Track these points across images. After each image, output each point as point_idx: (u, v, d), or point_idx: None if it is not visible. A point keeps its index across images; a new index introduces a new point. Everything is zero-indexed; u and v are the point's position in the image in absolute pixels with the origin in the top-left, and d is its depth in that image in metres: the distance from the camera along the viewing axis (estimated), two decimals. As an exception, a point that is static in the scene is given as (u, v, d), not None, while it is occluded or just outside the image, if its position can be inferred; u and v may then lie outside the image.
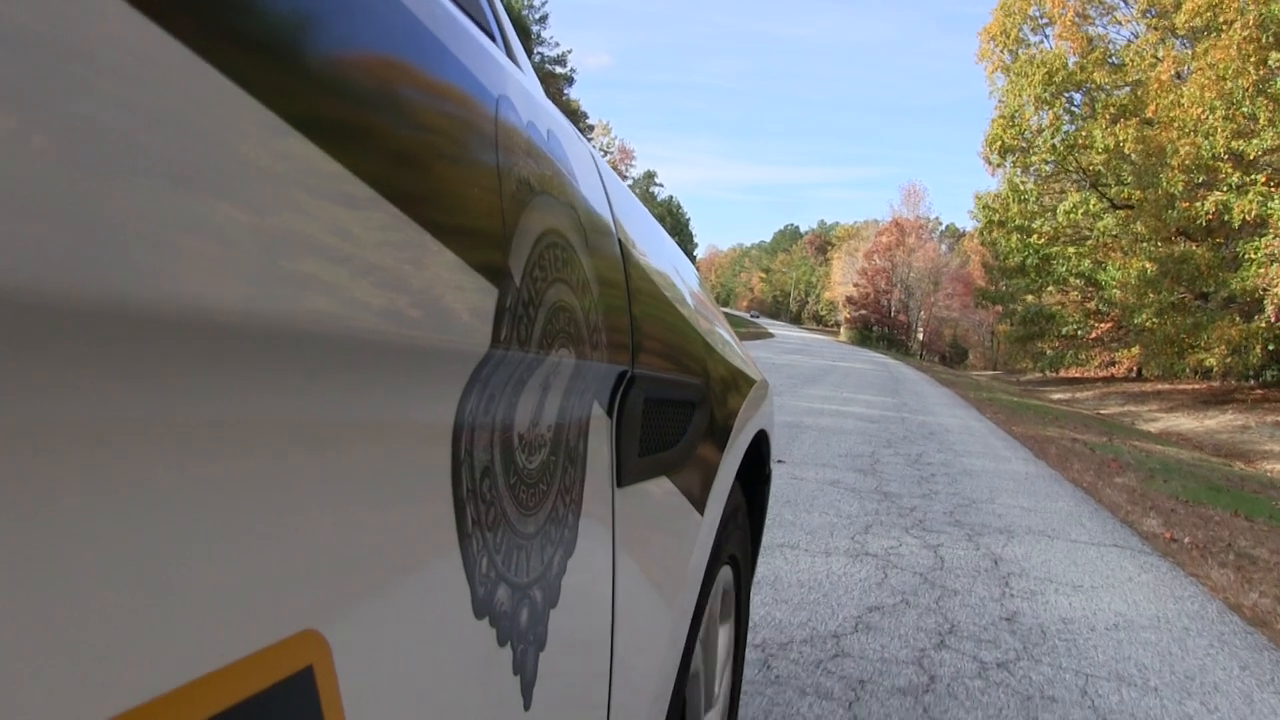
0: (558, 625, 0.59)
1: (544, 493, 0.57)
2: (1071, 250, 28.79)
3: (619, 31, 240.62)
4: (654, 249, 0.98)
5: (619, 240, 0.78)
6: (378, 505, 0.38)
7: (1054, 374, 33.75)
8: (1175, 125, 21.08)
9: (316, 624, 0.33)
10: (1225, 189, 19.89)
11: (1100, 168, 27.51)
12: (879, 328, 66.95)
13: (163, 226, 0.25)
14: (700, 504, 1.03)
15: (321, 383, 0.35)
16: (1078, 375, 33.65)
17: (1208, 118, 20.00)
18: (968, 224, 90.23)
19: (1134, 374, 32.62)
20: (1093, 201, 28.15)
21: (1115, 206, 28.13)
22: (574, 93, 60.98)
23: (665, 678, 0.90)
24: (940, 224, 73.91)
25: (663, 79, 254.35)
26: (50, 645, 0.23)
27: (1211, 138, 20.03)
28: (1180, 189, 20.87)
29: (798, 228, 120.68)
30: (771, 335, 47.52)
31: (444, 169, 0.43)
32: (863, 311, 67.52)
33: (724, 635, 1.46)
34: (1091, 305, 29.94)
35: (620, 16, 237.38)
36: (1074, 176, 30.08)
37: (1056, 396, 26.19)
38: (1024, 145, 30.05)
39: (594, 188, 0.74)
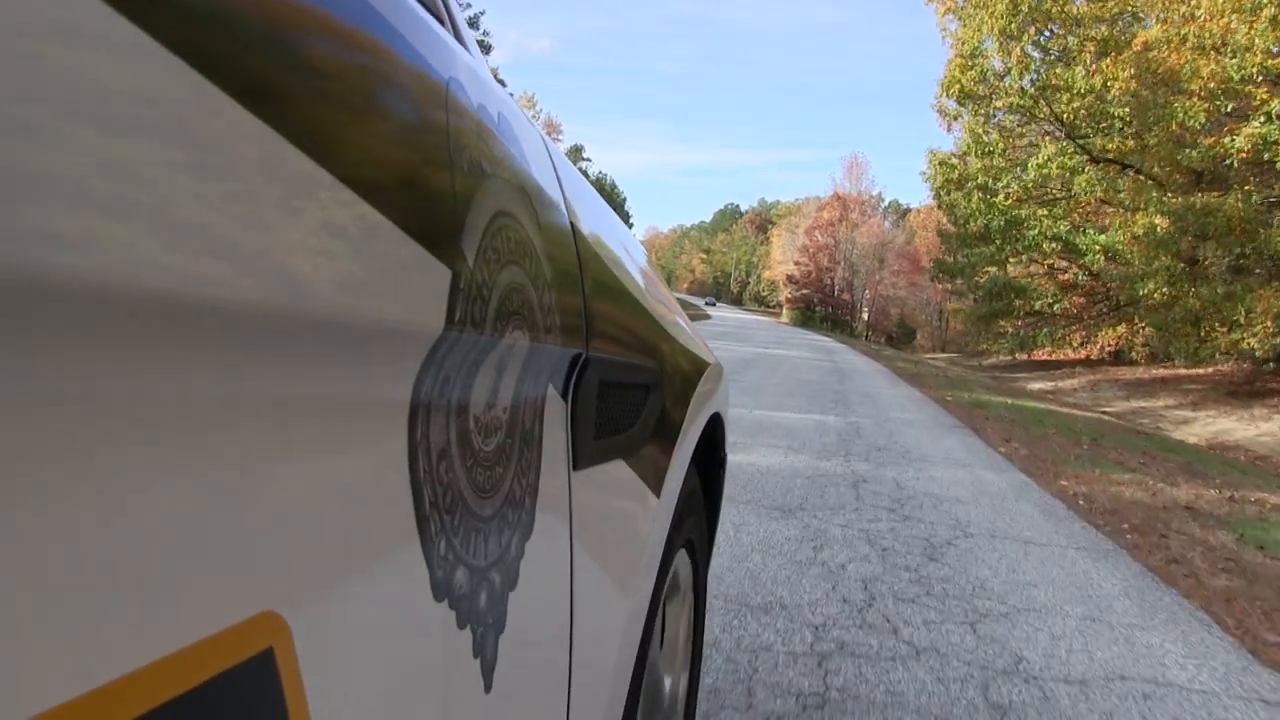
0: (517, 608, 0.58)
1: (500, 475, 0.56)
2: (1044, 212, 23.86)
3: (562, 15, 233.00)
4: (606, 232, 0.95)
5: (571, 223, 0.77)
6: (335, 488, 0.38)
7: (1026, 356, 28.82)
8: (1190, 44, 16.17)
9: (276, 605, 0.33)
10: (1262, 120, 15.02)
11: (1081, 114, 22.55)
12: (822, 308, 62.22)
13: (110, 210, 0.25)
14: (656, 487, 1.01)
15: (276, 365, 0.34)
16: (1046, 358, 28.83)
17: (1239, 29, 15.02)
18: (913, 200, 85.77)
19: (1110, 355, 27.99)
20: (1070, 152, 23.21)
21: (1095, 160, 23.27)
22: (490, 60, 55.01)
23: (625, 659, 0.88)
24: (884, 200, 69.28)
25: (606, 63, 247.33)
26: (4, 629, 0.22)
27: (1243, 55, 15.12)
28: (1201, 121, 16.07)
29: (738, 207, 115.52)
30: (708, 317, 42.61)
31: (395, 151, 0.43)
32: (805, 291, 62.68)
33: (682, 619, 1.41)
34: (1069, 276, 25.13)
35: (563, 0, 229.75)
36: (1045, 126, 25.20)
37: (1037, 387, 21.20)
38: (986, 91, 25.07)
39: (545, 171, 0.73)
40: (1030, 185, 24.47)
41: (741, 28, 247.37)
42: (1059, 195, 25.10)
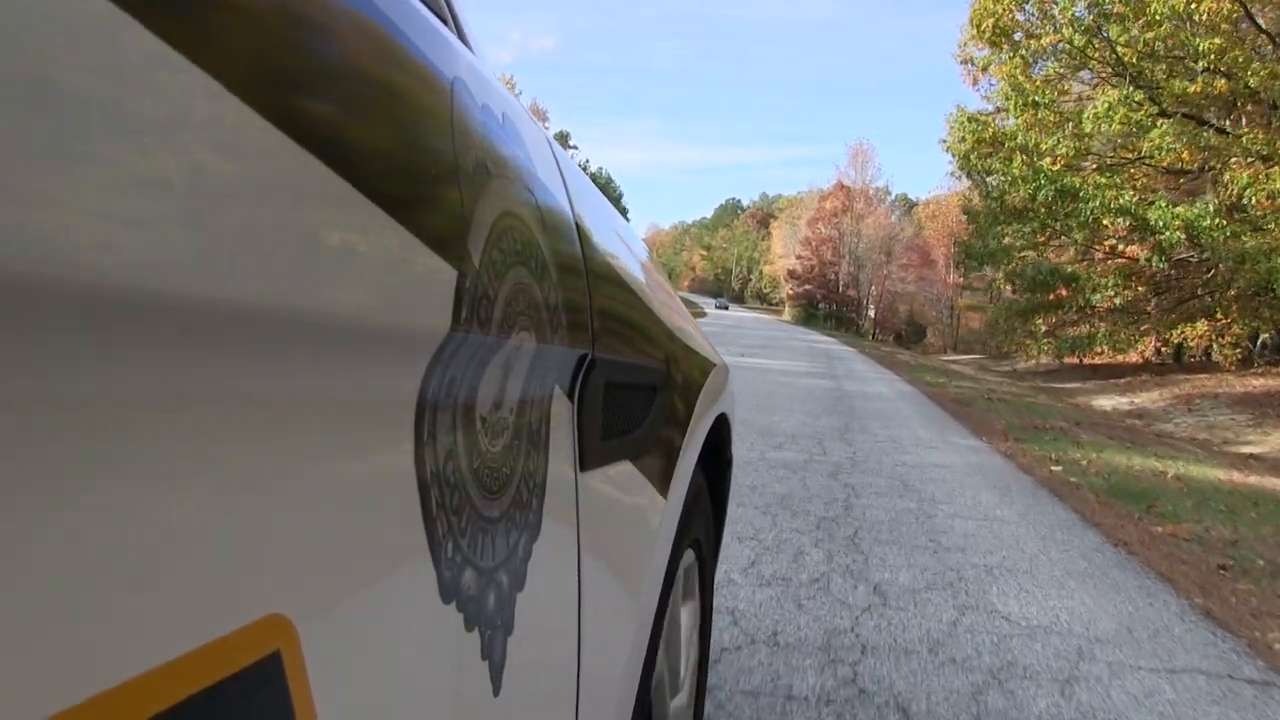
0: (525, 609, 0.56)
1: (508, 476, 0.55)
2: (1103, 180, 18.03)
3: (564, 14, 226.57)
4: (610, 231, 0.92)
5: (576, 223, 0.75)
6: (341, 489, 0.37)
7: (1078, 360, 22.83)
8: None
9: (282, 608, 0.32)
10: None
11: (1158, 49, 16.80)
12: (826, 304, 56.38)
13: (116, 211, 0.25)
14: (663, 488, 0.98)
15: (281, 366, 0.33)
16: (1095, 361, 22.89)
17: None
18: (920, 193, 79.63)
19: (1165, 355, 22.16)
20: (1139, 99, 17.39)
21: (1165, 113, 17.50)
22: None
23: (633, 660, 0.86)
24: (890, 192, 63.26)
25: (607, 61, 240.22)
26: (9, 632, 0.22)
27: None
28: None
29: (739, 202, 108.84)
30: (704, 314, 37.02)
31: (401, 152, 0.43)
32: (807, 287, 56.79)
33: (689, 619, 1.33)
34: (1123, 261, 19.28)
35: None
36: (1098, 73, 19.42)
37: (1109, 405, 15.38)
38: (1027, 26, 19.29)
39: (550, 170, 0.71)
40: (1082, 147, 18.73)
41: (739, 24, 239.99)
42: (1124, 158, 19.32)
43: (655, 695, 1.04)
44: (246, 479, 0.30)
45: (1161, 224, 16.48)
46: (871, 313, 55.07)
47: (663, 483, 0.98)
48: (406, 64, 0.44)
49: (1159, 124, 16.94)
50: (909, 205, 63.66)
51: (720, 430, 1.46)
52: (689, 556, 1.26)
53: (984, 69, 21.48)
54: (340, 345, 0.37)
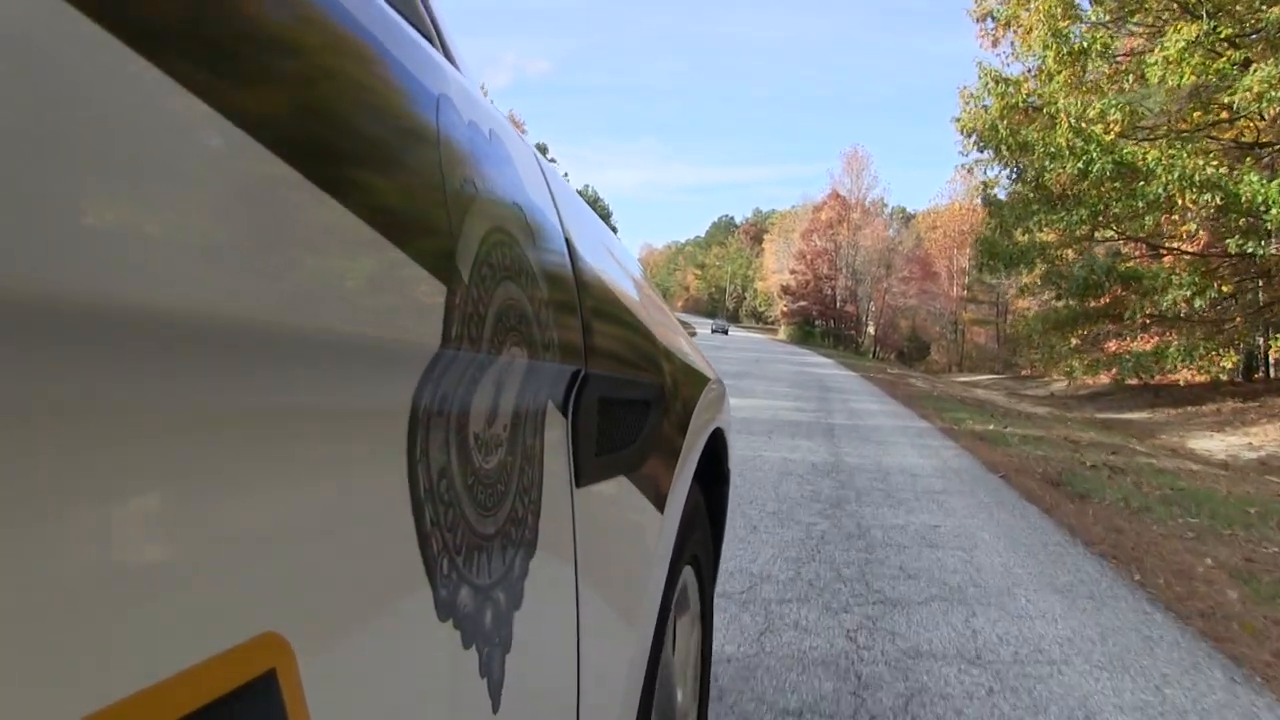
0: (523, 627, 0.55)
1: (502, 493, 0.54)
2: (1173, 151, 13.37)
3: (558, 36, 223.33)
4: (601, 247, 0.90)
5: (566, 238, 0.73)
6: (334, 507, 0.36)
7: (1138, 382, 17.98)
8: None
9: (278, 626, 0.31)
10: None
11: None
12: (823, 321, 51.63)
13: (108, 228, 0.25)
14: (660, 503, 0.96)
15: (271, 384, 0.33)
16: (1151, 381, 18.12)
17: None
18: (919, 206, 75.11)
19: (1226, 372, 17.53)
20: (1226, 33, 12.81)
21: (1249, 60, 12.93)
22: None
23: (633, 677, 0.84)
24: (887, 205, 58.65)
25: (603, 82, 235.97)
26: (1, 651, 0.21)
27: None
28: None
29: (732, 218, 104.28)
30: (693, 333, 32.18)
31: (388, 169, 0.42)
32: (802, 303, 52.07)
33: (690, 636, 1.31)
34: (1215, 250, 14.62)
35: (559, 20, 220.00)
36: (1160, 16, 14.90)
37: (1214, 448, 10.57)
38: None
39: (538, 186, 0.70)
40: (1136, 113, 14.12)
41: (738, 42, 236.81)
42: (1181, 129, 14.71)
43: (657, 710, 1.01)
44: (240, 496, 0.30)
45: (1261, 200, 11.91)
46: (871, 329, 50.40)
47: (659, 498, 0.95)
48: (393, 82, 0.44)
49: (1257, 69, 12.31)
50: (907, 217, 59.13)
51: (717, 445, 1.41)
52: (688, 572, 1.21)
53: (1006, 24, 16.90)
54: (331, 363, 0.36)
